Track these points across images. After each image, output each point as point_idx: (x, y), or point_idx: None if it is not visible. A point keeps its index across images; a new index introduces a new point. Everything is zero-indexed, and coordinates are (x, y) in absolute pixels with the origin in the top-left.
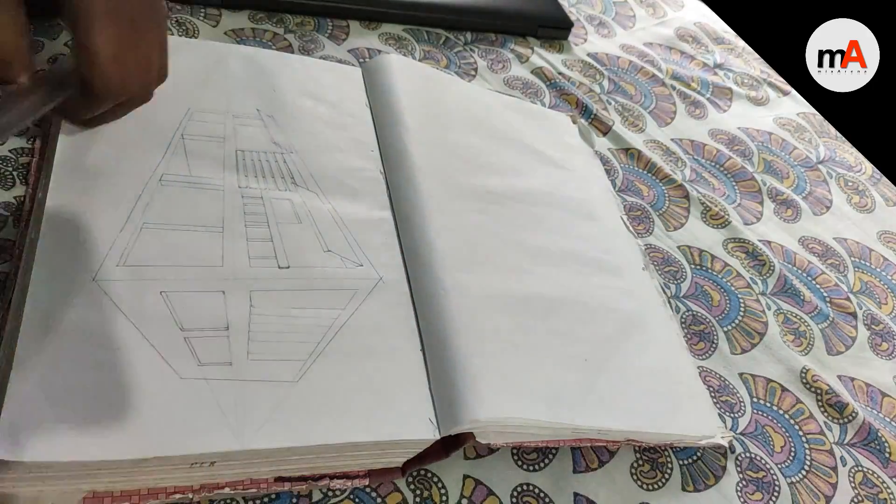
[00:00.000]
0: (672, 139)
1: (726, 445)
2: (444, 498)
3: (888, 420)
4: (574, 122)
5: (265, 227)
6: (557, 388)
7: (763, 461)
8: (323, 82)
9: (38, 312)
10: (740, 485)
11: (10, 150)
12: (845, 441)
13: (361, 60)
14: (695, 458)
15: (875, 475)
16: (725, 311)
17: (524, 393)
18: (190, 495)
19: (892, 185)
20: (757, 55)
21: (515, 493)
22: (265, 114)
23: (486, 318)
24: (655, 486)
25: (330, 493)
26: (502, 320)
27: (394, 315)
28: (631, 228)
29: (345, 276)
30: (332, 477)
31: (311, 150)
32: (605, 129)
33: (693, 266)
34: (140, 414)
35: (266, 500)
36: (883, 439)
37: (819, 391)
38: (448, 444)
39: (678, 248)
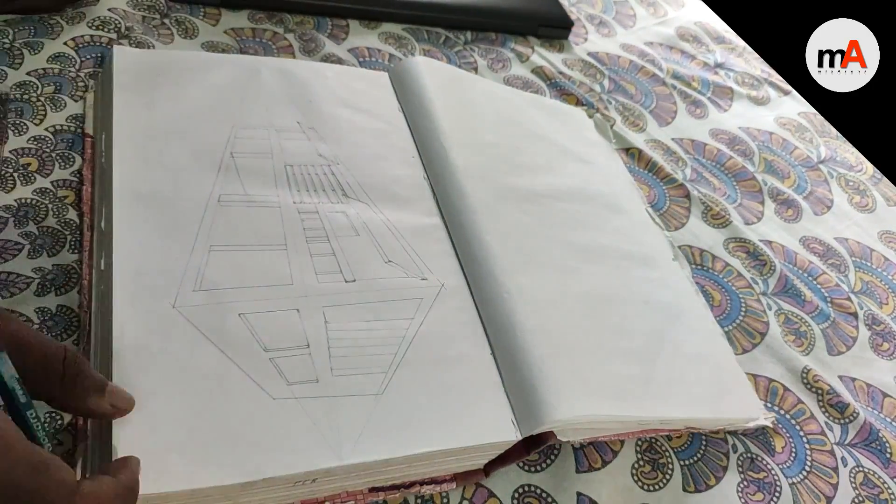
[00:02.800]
0: (673, 139)
1: (770, 426)
2: (445, 500)
3: (889, 420)
4: (590, 117)
5: (326, 242)
6: (621, 382)
7: (764, 461)
8: (355, 90)
9: (125, 343)
10: (741, 485)
11: (10, 152)
12: (846, 441)
13: (361, 60)
14: (695, 458)
15: (876, 475)
16: (726, 311)
17: (595, 390)
18: None
19: (893, 185)
20: (757, 55)
21: (517, 495)
22: (306, 126)
23: (550, 318)
24: (656, 487)
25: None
26: (563, 320)
27: (460, 321)
28: (657, 220)
29: (408, 285)
30: (421, 483)
31: (355, 160)
32: None
33: (694, 266)
34: (243, 438)
35: None
36: (884, 440)
37: (820, 391)
38: (529, 443)
39: (679, 247)
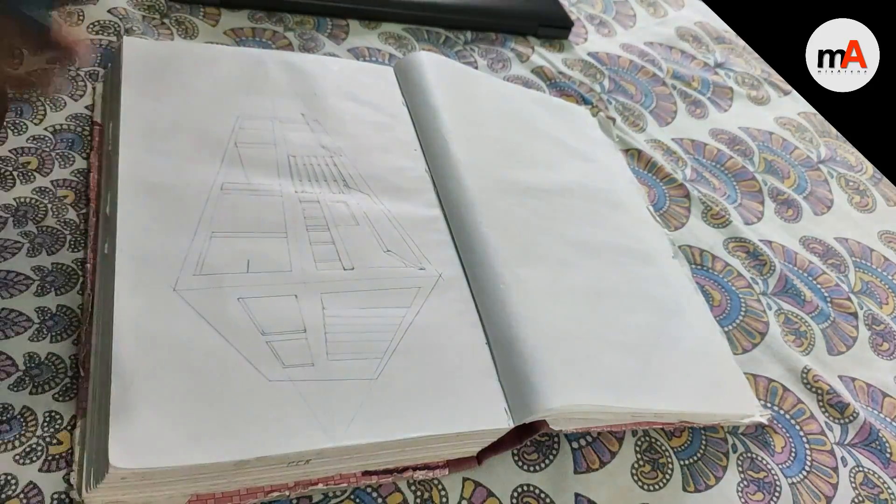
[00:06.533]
0: (673, 139)
1: (767, 423)
2: (444, 499)
3: (889, 420)
4: (594, 115)
5: (326, 231)
6: (615, 374)
7: (764, 461)
8: (360, 83)
9: (126, 325)
10: (741, 485)
11: (10, 151)
12: (846, 441)
13: (361, 60)
14: (695, 458)
15: (876, 475)
16: (726, 311)
17: (589, 380)
18: (287, 493)
19: (893, 185)
20: (757, 55)
21: (516, 495)
22: (310, 118)
23: (546, 310)
24: (656, 487)
25: (330, 494)
26: (559, 312)
27: (456, 310)
28: (658, 218)
29: (406, 275)
30: (414, 468)
31: (357, 151)
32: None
33: (694, 266)
34: (238, 418)
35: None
36: (884, 439)
37: (820, 391)
38: (521, 432)
39: (679, 247)
